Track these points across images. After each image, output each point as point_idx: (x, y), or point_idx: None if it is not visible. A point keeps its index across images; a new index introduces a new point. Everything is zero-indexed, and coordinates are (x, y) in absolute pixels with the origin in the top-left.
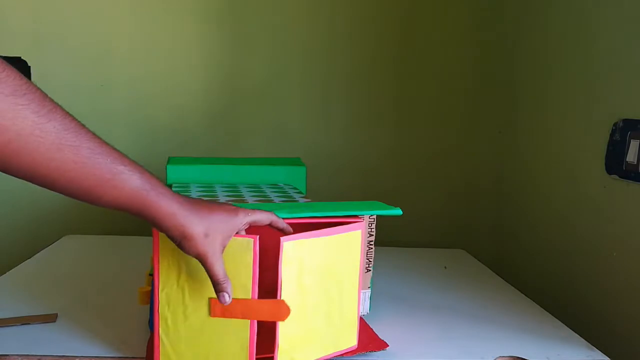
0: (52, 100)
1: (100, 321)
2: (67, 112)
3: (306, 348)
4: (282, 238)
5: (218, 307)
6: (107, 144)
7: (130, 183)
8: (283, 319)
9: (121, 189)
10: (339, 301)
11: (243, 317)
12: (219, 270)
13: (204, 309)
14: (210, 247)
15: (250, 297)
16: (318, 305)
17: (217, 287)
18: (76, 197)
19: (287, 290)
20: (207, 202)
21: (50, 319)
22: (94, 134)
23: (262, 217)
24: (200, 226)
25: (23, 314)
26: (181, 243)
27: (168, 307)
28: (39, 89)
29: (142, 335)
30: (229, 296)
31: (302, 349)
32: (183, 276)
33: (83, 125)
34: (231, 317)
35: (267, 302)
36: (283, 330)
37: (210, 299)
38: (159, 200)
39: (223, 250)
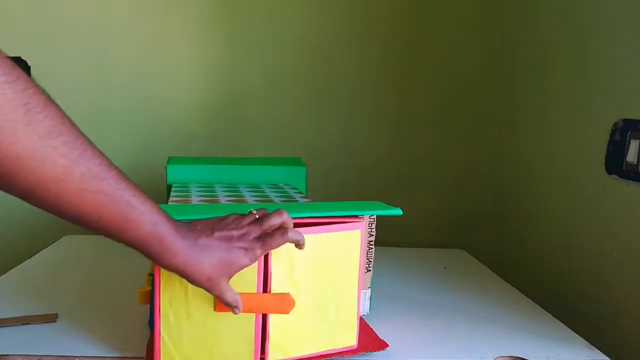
0: (84, 140)
1: (100, 321)
2: (97, 151)
3: (300, 342)
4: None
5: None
6: (128, 184)
7: (141, 231)
8: (287, 312)
9: (132, 235)
10: (336, 299)
11: (249, 311)
12: (227, 298)
13: (208, 304)
14: (214, 287)
15: (255, 291)
16: (312, 302)
17: (229, 308)
18: (92, 230)
19: (277, 284)
20: (218, 246)
21: (50, 319)
22: (117, 172)
23: (275, 243)
24: (205, 275)
25: (23, 314)
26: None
27: (170, 305)
28: (74, 126)
29: (142, 335)
30: (239, 309)
31: (295, 342)
32: None
33: (109, 166)
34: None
35: (272, 296)
36: (274, 322)
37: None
38: (166, 252)
39: (230, 278)
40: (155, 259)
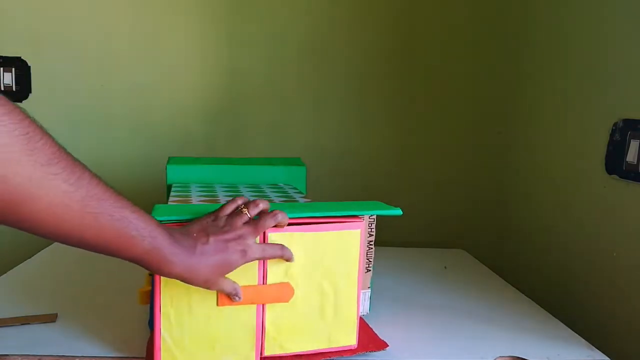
0: (79, 163)
1: (100, 321)
2: (93, 174)
3: (296, 338)
4: (267, 230)
5: (226, 296)
6: (125, 202)
7: (142, 247)
8: (287, 300)
9: (134, 251)
10: (334, 297)
11: (251, 302)
12: (226, 290)
13: (210, 299)
14: (212, 286)
15: (257, 283)
16: (309, 298)
17: (229, 297)
18: (93, 251)
19: (273, 279)
20: (215, 251)
21: (50, 319)
22: (113, 191)
23: (272, 251)
24: (202, 278)
25: (23, 314)
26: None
27: (171, 303)
28: (68, 153)
29: (142, 335)
30: (239, 297)
31: (292, 338)
32: None
33: (106, 186)
34: (239, 304)
35: (273, 286)
36: (270, 316)
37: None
38: (166, 264)
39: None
40: (155, 271)
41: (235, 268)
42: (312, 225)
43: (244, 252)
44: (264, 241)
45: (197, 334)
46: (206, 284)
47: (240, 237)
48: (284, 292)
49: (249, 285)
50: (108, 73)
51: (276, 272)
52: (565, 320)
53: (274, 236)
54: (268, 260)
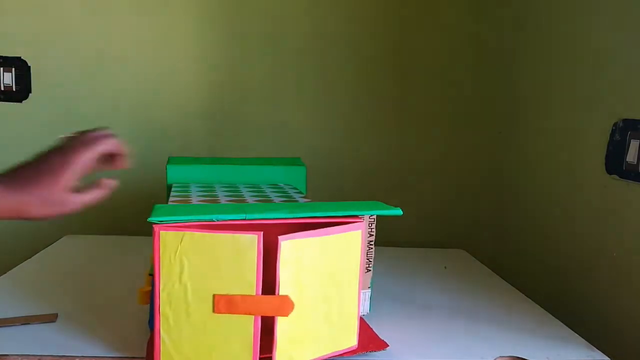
0: None
1: (100, 321)
2: None
3: (305, 347)
4: (280, 237)
5: (222, 304)
6: None
7: None
8: (286, 314)
9: None
10: (339, 301)
11: (247, 313)
12: (87, 199)
13: (207, 305)
14: (66, 206)
15: (254, 293)
16: (317, 305)
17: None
18: None
19: (285, 289)
20: (29, 175)
21: (50, 319)
22: None
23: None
24: (34, 207)
25: (23, 314)
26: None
27: (170, 305)
28: None
29: (142, 335)
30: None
31: (301, 347)
32: (185, 273)
33: None
34: (235, 313)
35: (271, 298)
36: (281, 328)
37: (214, 295)
38: None
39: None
40: None
41: (63, 175)
42: (314, 230)
43: (63, 160)
44: (278, 249)
45: (194, 338)
46: (43, 208)
47: (62, 150)
48: (283, 306)
49: (246, 295)
50: (108, 73)
51: (287, 280)
52: (565, 320)
53: (285, 244)
54: (280, 267)
